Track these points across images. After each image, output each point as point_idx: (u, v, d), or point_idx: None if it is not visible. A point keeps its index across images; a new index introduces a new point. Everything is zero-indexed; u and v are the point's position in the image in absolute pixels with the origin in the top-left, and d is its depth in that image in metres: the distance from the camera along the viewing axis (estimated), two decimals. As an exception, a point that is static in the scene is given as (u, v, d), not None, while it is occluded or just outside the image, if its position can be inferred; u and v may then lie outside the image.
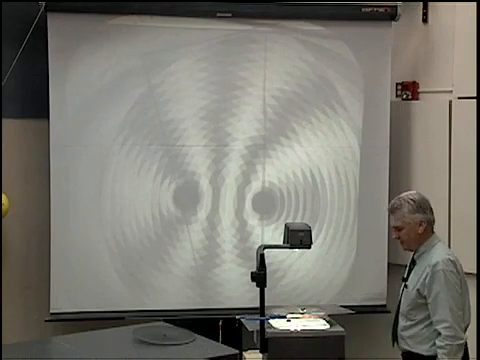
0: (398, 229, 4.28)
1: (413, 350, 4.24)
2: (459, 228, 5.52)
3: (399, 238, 4.31)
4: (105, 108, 5.44)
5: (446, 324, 4.09)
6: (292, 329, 4.60)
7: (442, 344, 4.09)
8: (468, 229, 5.36)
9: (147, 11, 5.42)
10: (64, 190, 5.41)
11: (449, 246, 5.55)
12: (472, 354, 4.64)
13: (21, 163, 5.64)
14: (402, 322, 4.29)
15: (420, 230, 4.24)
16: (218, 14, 5.49)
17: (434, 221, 4.31)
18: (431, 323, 4.17)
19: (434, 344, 4.14)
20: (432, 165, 5.70)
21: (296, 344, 4.53)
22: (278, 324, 4.63)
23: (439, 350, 4.10)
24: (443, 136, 5.60)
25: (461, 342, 4.11)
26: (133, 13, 5.41)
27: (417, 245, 4.28)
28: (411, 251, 4.34)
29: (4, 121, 5.41)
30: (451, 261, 4.17)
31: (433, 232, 4.31)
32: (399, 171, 5.83)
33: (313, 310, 4.92)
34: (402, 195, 4.34)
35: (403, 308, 4.29)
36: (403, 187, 5.81)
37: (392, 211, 4.29)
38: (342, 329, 4.68)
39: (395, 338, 4.37)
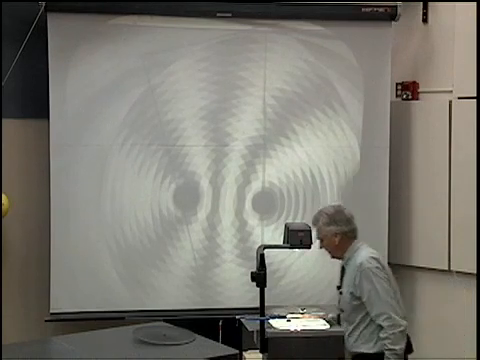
0: (320, 240, 4.54)
1: (360, 351, 4.42)
2: (459, 228, 5.53)
3: (323, 248, 4.57)
4: (105, 108, 5.44)
5: (385, 316, 4.31)
6: (292, 329, 4.60)
7: (386, 335, 4.30)
8: (468, 229, 5.36)
9: (147, 11, 5.42)
10: (64, 190, 5.41)
11: (449, 246, 5.57)
12: (472, 354, 4.65)
13: (21, 163, 5.65)
14: (344, 327, 4.46)
15: (336, 241, 4.49)
16: (218, 14, 5.48)
17: (354, 231, 4.52)
18: (370, 322, 4.38)
19: (377, 342, 4.35)
20: (432, 165, 5.70)
21: (296, 344, 4.52)
22: (278, 324, 4.62)
23: (385, 341, 4.30)
24: (443, 136, 5.60)
25: (402, 328, 4.32)
26: (133, 13, 5.41)
27: (341, 253, 4.52)
28: (339, 259, 4.56)
29: (4, 121, 5.41)
30: (374, 258, 4.40)
31: (355, 239, 4.52)
32: (399, 171, 5.83)
33: (313, 310, 4.92)
34: (323, 207, 4.65)
35: (344, 313, 4.49)
36: (403, 187, 5.82)
37: (313, 224, 4.52)
38: (342, 329, 4.68)
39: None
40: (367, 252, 4.44)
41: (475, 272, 5.23)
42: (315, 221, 4.53)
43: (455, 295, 5.57)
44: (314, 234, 4.41)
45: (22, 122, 5.60)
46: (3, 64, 5.37)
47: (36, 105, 5.51)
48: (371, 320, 4.37)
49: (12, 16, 5.43)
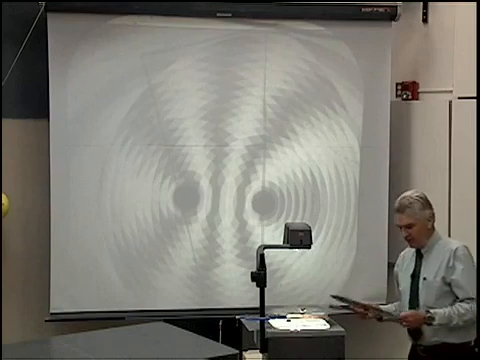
0: (409, 227, 4.34)
1: (445, 340, 4.24)
2: (459, 228, 5.52)
3: (409, 236, 4.36)
4: (105, 108, 5.44)
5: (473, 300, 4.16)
6: (292, 329, 4.60)
7: (463, 311, 4.16)
8: (468, 229, 5.35)
9: (147, 11, 5.42)
10: (64, 190, 5.41)
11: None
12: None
13: (21, 163, 5.64)
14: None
15: (429, 225, 4.36)
16: (218, 14, 5.49)
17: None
18: None
19: (468, 329, 4.19)
20: (432, 165, 5.70)
21: (296, 344, 4.53)
22: (278, 324, 4.63)
23: (463, 312, 4.15)
24: (443, 136, 5.60)
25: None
26: (133, 13, 5.41)
27: (426, 240, 4.37)
28: (420, 247, 4.39)
29: (4, 121, 5.41)
30: (466, 247, 4.31)
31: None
32: (399, 171, 5.83)
33: (313, 310, 4.92)
34: (406, 194, 4.42)
35: (427, 301, 4.29)
36: (403, 187, 5.80)
37: (402, 210, 4.35)
38: (342, 329, 4.68)
39: (417, 334, 4.34)
40: (455, 241, 4.40)
41: (475, 272, 5.23)
42: (407, 205, 4.33)
43: (455, 295, 5.56)
44: (405, 220, 4.31)
45: (22, 122, 5.60)
46: (3, 64, 5.37)
47: (36, 105, 5.51)
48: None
49: (12, 16, 5.43)
